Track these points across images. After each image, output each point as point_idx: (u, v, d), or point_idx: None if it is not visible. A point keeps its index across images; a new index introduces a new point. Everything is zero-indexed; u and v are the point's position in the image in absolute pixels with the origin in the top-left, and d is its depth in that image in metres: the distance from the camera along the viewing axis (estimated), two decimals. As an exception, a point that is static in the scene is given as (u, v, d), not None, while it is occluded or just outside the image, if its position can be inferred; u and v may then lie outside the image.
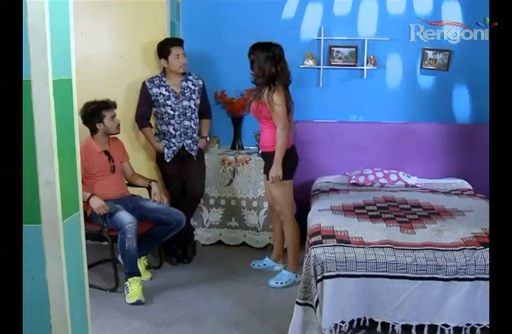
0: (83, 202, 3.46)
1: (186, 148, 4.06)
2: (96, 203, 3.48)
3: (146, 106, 4.06)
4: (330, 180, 4.36)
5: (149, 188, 3.89)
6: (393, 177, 4.23)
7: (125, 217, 3.46)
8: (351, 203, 3.63)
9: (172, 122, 4.02)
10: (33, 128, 2.09)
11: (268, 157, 3.62)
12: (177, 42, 3.97)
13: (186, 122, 4.05)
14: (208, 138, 4.30)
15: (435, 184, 4.21)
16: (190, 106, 4.04)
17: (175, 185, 4.18)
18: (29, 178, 2.10)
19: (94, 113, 3.67)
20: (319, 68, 4.44)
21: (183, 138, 4.05)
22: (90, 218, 3.59)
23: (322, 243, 2.87)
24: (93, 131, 3.73)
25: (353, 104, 4.54)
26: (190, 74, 4.09)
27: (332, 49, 4.38)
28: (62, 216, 2.25)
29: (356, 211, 3.46)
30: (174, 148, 4.05)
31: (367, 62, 4.38)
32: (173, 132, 4.03)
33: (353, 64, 4.40)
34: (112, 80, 4.18)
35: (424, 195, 3.90)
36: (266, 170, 3.65)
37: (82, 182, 3.57)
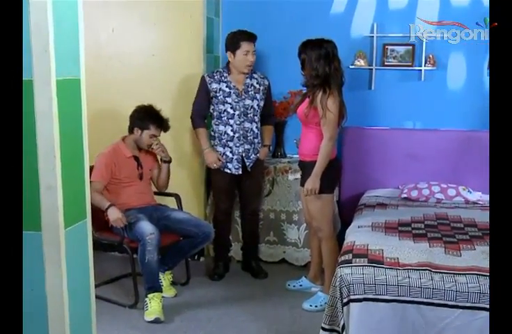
0: (103, 211, 3.65)
1: (243, 154, 4.07)
2: (113, 215, 3.60)
3: (204, 102, 4.04)
4: (379, 194, 4.34)
5: (174, 197, 4.05)
6: (451, 192, 4.16)
7: (146, 227, 3.57)
8: (396, 220, 3.61)
9: (231, 122, 4.02)
10: (35, 130, 2.21)
11: (307, 167, 3.64)
12: (250, 37, 3.95)
13: (247, 124, 4.05)
14: (271, 148, 4.29)
15: (500, 201, 4.10)
16: (252, 107, 4.05)
17: (224, 199, 4.22)
18: (30, 182, 2.20)
19: (144, 119, 3.83)
20: (371, 69, 4.44)
21: (242, 142, 4.05)
22: (111, 227, 3.73)
23: (351, 263, 2.88)
24: (129, 131, 3.89)
25: (409, 108, 4.51)
26: (255, 72, 4.13)
27: (386, 47, 4.38)
28: (65, 224, 2.34)
29: (400, 228, 3.44)
30: (237, 157, 4.05)
31: (426, 62, 4.34)
32: (231, 134, 4.04)
33: (410, 64, 4.37)
34: (144, 80, 4.35)
35: (484, 213, 3.80)
36: (303, 181, 3.68)
37: (106, 188, 3.80)
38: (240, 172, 4.08)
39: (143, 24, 4.34)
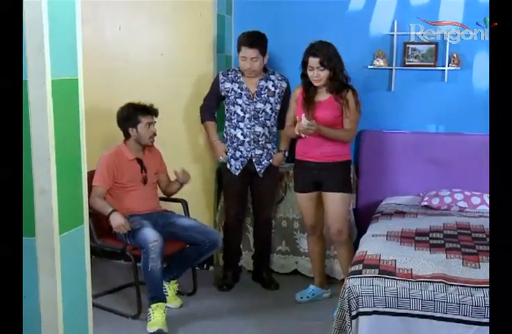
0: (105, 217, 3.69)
1: (253, 160, 4.09)
2: (115, 220, 3.62)
3: (212, 99, 4.13)
4: (399, 201, 4.33)
5: (181, 203, 4.09)
6: (475, 201, 4.14)
7: (149, 234, 3.59)
8: (414, 229, 3.60)
9: (242, 125, 4.05)
10: (29, 131, 2.26)
11: (326, 168, 3.66)
12: (251, 42, 3.92)
13: (258, 128, 4.06)
14: (286, 153, 4.25)
15: (529, 209, 4.08)
16: (264, 110, 4.05)
17: (234, 204, 4.24)
18: (24, 185, 2.22)
19: (130, 116, 3.85)
20: (391, 69, 4.43)
21: (253, 147, 4.06)
22: (114, 234, 3.77)
23: (361, 274, 2.87)
24: (126, 136, 3.92)
25: (431, 111, 4.49)
26: (273, 73, 4.12)
27: (407, 46, 4.36)
28: (60, 229, 2.38)
29: (416, 238, 3.43)
30: (243, 159, 4.09)
31: (449, 62, 4.32)
32: (241, 138, 4.06)
33: (432, 64, 4.35)
34: (152, 80, 4.40)
35: (509, 222, 3.80)
36: (308, 185, 3.76)
37: (108, 193, 3.85)
38: (237, 174, 4.10)
39: (151, 22, 4.38)
